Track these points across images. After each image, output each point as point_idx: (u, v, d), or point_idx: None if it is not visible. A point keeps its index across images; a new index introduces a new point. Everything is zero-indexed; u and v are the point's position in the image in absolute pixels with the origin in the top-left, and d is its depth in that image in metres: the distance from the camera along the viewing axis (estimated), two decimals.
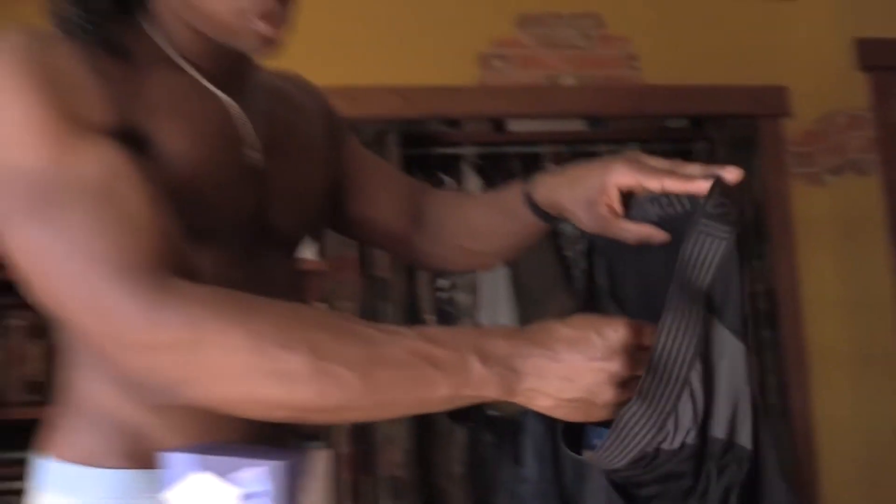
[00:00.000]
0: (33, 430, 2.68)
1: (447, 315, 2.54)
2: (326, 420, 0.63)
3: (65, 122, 0.64)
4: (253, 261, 0.81)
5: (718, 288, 0.65)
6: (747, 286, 0.80)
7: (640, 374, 0.64)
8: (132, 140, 0.68)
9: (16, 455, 2.40)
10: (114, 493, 0.71)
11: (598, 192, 0.81)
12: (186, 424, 0.73)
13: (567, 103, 2.58)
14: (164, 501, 0.63)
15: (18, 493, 2.38)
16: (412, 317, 2.48)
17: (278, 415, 0.61)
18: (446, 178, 2.64)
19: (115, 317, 0.59)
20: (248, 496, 0.58)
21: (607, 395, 0.64)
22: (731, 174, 0.73)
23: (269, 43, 0.75)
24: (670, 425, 0.63)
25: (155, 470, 0.70)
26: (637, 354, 0.65)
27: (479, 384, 0.62)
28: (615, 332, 0.63)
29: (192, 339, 0.58)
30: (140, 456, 0.72)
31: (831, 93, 2.65)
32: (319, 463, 0.67)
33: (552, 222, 0.91)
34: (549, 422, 2.61)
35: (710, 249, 0.66)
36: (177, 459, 0.63)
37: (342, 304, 2.33)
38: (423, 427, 2.49)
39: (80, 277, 0.60)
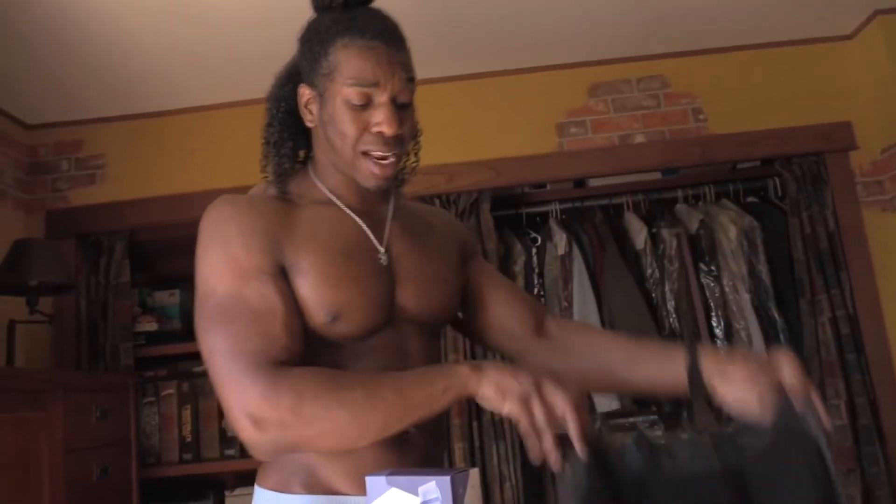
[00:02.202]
0: (186, 486, 3.06)
1: None
2: (371, 435, 0.94)
3: (243, 264, 0.98)
4: (391, 336, 1.08)
5: None
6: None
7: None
8: (287, 266, 1.00)
9: None
10: None
11: (768, 390, 0.97)
12: (346, 463, 1.03)
13: (640, 159, 2.82)
14: None
15: None
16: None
17: (342, 442, 0.94)
18: (536, 235, 2.88)
19: (242, 393, 0.91)
20: (425, 503, 0.87)
21: (525, 389, 0.90)
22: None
23: (378, 179, 1.06)
24: None
25: (323, 496, 1.03)
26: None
27: (462, 373, 0.93)
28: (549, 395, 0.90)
29: (293, 399, 0.90)
30: (313, 486, 1.04)
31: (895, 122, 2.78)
32: (473, 479, 0.94)
33: (702, 400, 1.07)
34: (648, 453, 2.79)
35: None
36: (374, 481, 0.91)
37: (451, 357, 2.62)
38: (532, 466, 2.69)
39: (230, 365, 0.92)
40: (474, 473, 0.94)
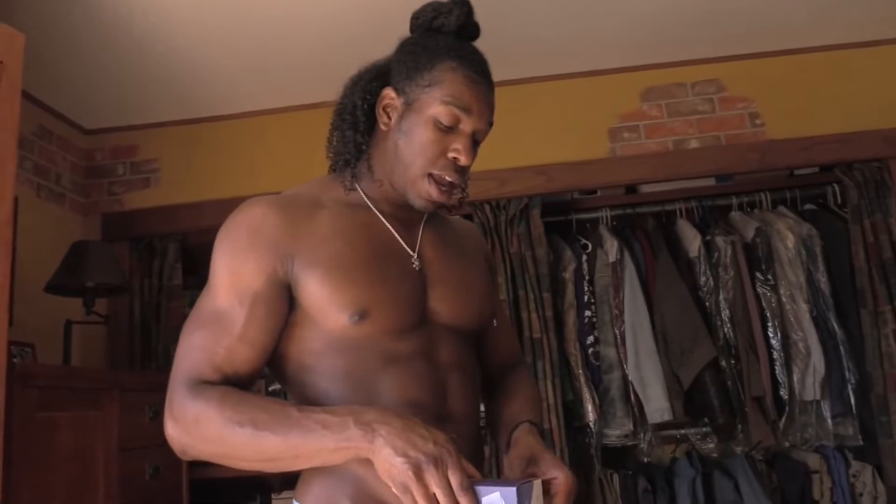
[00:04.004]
0: (234, 487, 3.08)
1: (595, 369, 2.72)
2: (271, 468, 0.95)
3: (236, 280, 1.00)
4: (423, 341, 1.06)
5: None
6: None
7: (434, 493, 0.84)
8: (296, 275, 1.01)
9: None
10: None
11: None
12: None
13: (694, 165, 2.76)
14: None
15: None
16: (564, 372, 2.69)
17: (243, 465, 0.95)
18: (587, 242, 2.84)
19: (169, 396, 0.96)
20: None
21: (402, 460, 0.85)
22: None
23: (433, 204, 1.07)
24: None
25: None
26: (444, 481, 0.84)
27: (353, 437, 0.89)
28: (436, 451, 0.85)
29: (193, 418, 0.94)
30: (362, 499, 0.98)
31: None
32: (537, 490, 0.91)
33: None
34: (701, 467, 2.77)
35: None
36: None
37: None
38: (581, 475, 2.67)
39: (175, 366, 0.99)
40: (538, 485, 0.92)
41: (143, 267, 2.92)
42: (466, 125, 1.04)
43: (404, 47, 1.10)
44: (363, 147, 1.12)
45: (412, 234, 1.12)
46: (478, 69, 1.05)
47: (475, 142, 1.07)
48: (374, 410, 0.90)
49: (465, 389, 1.07)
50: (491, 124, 1.08)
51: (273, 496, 2.88)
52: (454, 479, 0.84)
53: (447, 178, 1.05)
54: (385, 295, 1.03)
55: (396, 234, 1.10)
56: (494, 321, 1.25)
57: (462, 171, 1.06)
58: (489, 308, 1.20)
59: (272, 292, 1.01)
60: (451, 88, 1.03)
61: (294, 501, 1.06)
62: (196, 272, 3.11)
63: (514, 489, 0.85)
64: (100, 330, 2.82)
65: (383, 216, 1.10)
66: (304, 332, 1.03)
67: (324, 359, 1.02)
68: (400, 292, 1.05)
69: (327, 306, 1.00)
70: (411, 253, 1.09)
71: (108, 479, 2.20)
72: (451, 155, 1.04)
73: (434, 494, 0.84)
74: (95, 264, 2.51)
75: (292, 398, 1.07)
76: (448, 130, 1.04)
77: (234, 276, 1.00)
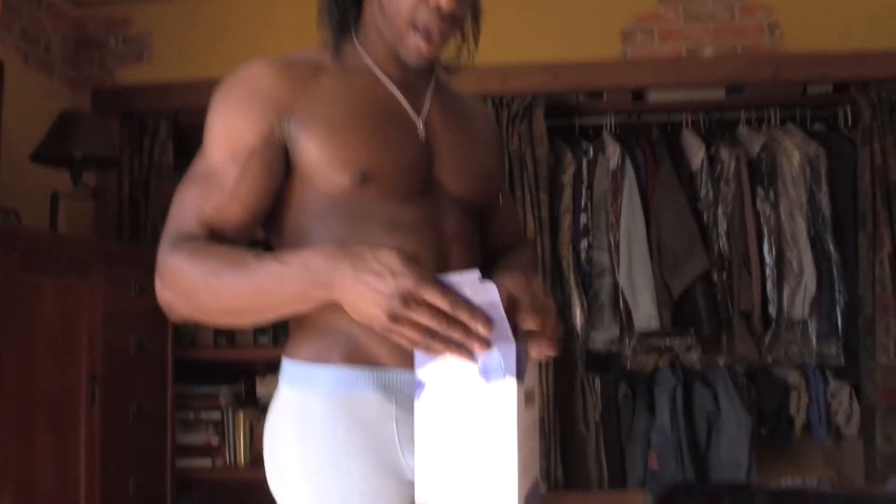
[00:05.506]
0: (219, 369, 3.12)
1: (586, 273, 2.72)
2: (237, 321, 0.97)
3: (232, 136, 0.96)
4: (427, 210, 1.02)
5: None
6: None
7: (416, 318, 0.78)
8: (294, 135, 0.97)
9: (206, 390, 2.84)
10: (335, 385, 0.98)
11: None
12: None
13: (707, 73, 2.68)
14: (417, 379, 0.84)
15: (208, 422, 2.82)
16: (555, 274, 2.68)
17: (215, 319, 0.95)
18: (589, 147, 2.79)
19: (159, 248, 0.95)
20: (486, 370, 0.82)
21: (374, 311, 0.80)
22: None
23: (422, 57, 1.01)
24: None
25: (365, 368, 0.97)
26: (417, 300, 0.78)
27: (311, 291, 0.86)
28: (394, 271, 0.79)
29: (170, 272, 0.93)
30: (354, 356, 0.97)
31: None
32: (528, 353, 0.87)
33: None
34: (682, 377, 2.80)
35: None
36: None
37: None
38: (565, 376, 2.70)
39: (168, 221, 0.97)
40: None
41: (134, 144, 2.85)
42: None
43: None
44: (354, 6, 1.06)
45: (419, 101, 1.07)
46: None
47: None
48: (319, 255, 0.85)
49: (467, 262, 1.04)
50: None
51: (257, 379, 2.92)
52: (438, 301, 0.79)
53: (432, 26, 0.98)
54: (388, 157, 0.99)
55: (402, 99, 1.05)
56: (500, 198, 1.20)
57: (449, 19, 0.99)
58: (496, 184, 1.16)
59: (268, 151, 0.97)
60: None
61: (284, 360, 1.05)
62: (188, 154, 3.04)
63: (512, 345, 0.80)
64: (88, 206, 2.78)
65: (389, 81, 1.05)
66: (303, 196, 1.00)
67: (323, 224, 0.99)
68: (403, 156, 1.01)
69: (327, 167, 0.97)
70: (417, 119, 1.05)
71: (92, 350, 2.21)
72: (431, 2, 0.97)
73: (428, 327, 0.79)
74: (84, 135, 2.44)
75: None
76: None
77: (229, 132, 0.97)
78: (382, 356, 0.98)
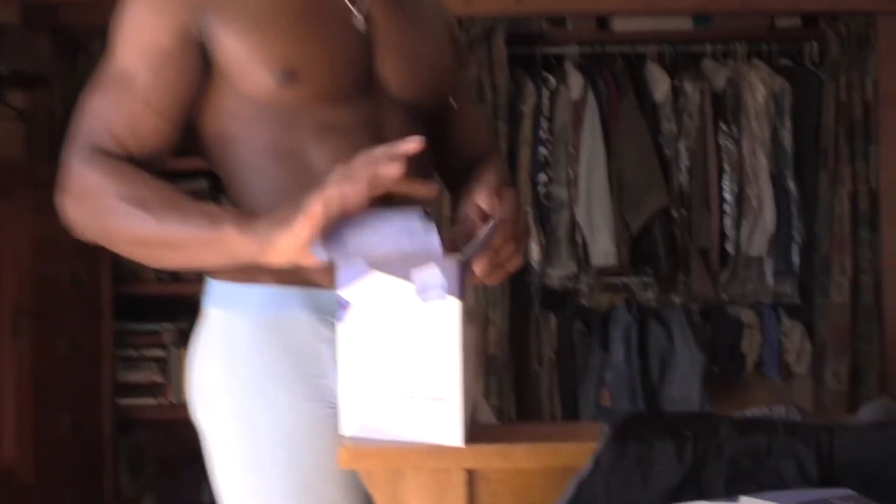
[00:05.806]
0: (164, 305, 2.98)
1: (544, 208, 2.65)
2: (142, 255, 0.91)
3: (143, 36, 0.87)
4: (366, 112, 0.92)
5: None
6: None
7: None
8: (211, 33, 0.87)
9: (149, 326, 2.73)
10: (264, 305, 0.91)
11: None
12: None
13: (674, 0, 2.58)
14: (340, 299, 0.76)
15: (150, 359, 2.72)
16: None
17: (118, 247, 0.89)
18: (550, 77, 2.69)
19: (63, 160, 0.87)
20: (423, 289, 0.73)
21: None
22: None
23: None
24: None
25: (298, 287, 0.89)
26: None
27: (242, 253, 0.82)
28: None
29: (82, 189, 0.86)
30: (287, 275, 0.88)
31: None
32: (471, 270, 0.79)
33: None
34: (638, 315, 2.75)
35: None
36: (353, 260, 0.75)
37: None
38: (519, 313, 2.66)
39: (74, 130, 0.88)
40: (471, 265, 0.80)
41: (66, 63, 2.67)
42: None
43: None
44: None
45: None
46: None
47: None
48: (267, 220, 0.81)
49: (415, 173, 0.94)
50: None
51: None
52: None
53: None
54: (318, 52, 0.89)
55: None
56: (453, 101, 1.06)
57: None
58: (448, 84, 1.03)
59: (182, 51, 0.87)
60: None
61: (207, 280, 0.96)
62: None
63: (454, 262, 0.73)
64: (17, 127, 2.60)
65: None
66: (225, 100, 0.90)
67: (249, 128, 0.90)
68: (336, 51, 0.90)
69: (248, 64, 0.87)
70: (353, 9, 0.92)
71: (21, 281, 2.08)
72: None
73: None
74: (10, 50, 2.28)
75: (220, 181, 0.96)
76: None
77: (137, 31, 0.88)
78: (316, 274, 0.88)
